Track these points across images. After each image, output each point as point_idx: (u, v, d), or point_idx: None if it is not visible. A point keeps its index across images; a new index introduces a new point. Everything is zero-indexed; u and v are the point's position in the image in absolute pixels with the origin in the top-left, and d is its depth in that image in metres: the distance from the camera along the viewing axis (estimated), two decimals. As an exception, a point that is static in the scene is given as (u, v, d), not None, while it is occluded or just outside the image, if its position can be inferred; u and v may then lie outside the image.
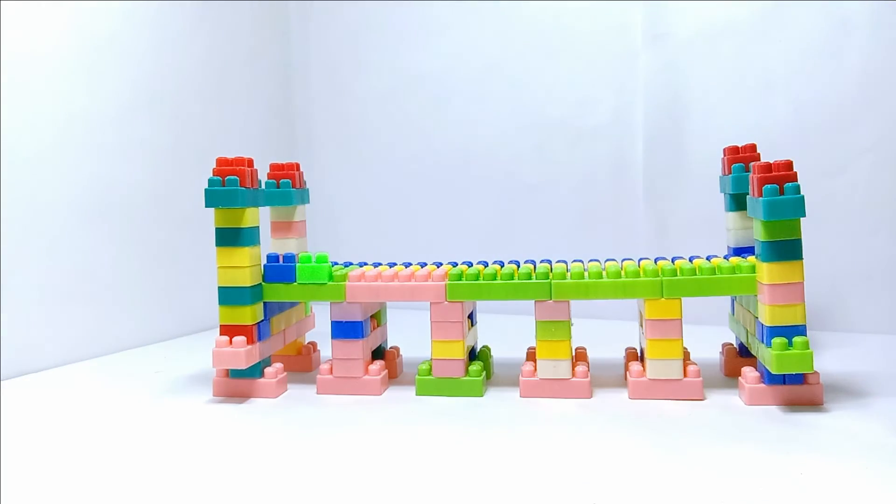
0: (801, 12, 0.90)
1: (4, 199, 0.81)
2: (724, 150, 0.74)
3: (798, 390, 0.61)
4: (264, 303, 0.71)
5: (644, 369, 0.66)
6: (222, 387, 0.70)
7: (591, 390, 0.66)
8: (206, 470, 0.51)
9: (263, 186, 0.77)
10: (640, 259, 0.72)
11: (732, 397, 0.64)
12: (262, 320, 0.71)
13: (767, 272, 0.60)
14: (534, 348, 0.71)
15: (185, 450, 0.55)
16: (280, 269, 0.71)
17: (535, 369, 0.67)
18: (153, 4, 0.98)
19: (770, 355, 0.59)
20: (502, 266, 0.72)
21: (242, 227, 0.68)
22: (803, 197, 0.59)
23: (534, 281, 0.67)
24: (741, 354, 0.73)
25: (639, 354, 0.73)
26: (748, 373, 0.63)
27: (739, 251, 0.72)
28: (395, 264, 0.77)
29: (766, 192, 0.59)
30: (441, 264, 0.76)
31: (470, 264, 0.75)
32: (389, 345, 0.80)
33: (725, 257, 0.70)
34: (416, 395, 0.68)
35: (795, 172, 0.60)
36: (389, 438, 0.57)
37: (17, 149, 0.82)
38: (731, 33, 0.94)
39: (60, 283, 0.86)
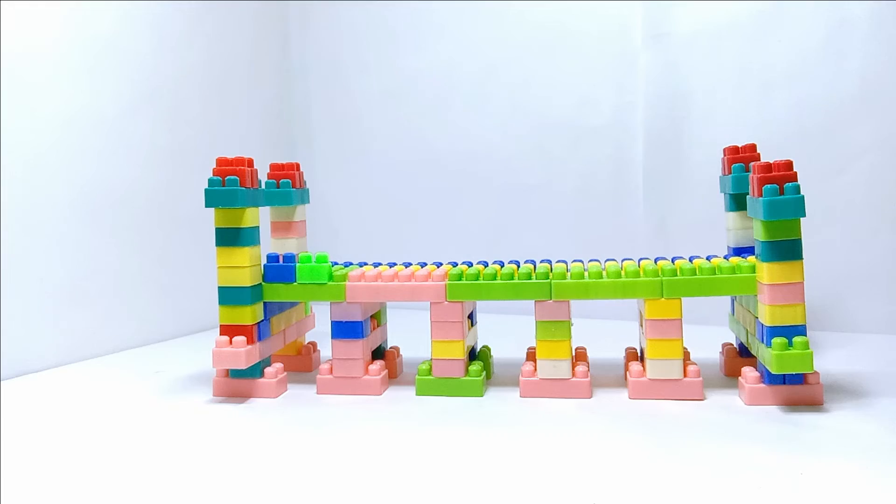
0: (801, 12, 0.90)
1: (4, 199, 0.81)
2: (724, 150, 0.74)
3: (798, 390, 0.61)
4: (264, 303, 0.71)
5: (644, 369, 0.66)
6: (222, 387, 0.70)
7: (591, 390, 0.66)
8: (207, 470, 0.51)
9: (263, 186, 0.77)
10: (640, 259, 0.72)
11: (732, 397, 0.64)
12: (262, 320, 0.71)
13: (767, 272, 0.60)
14: (534, 348, 0.71)
15: (186, 450, 0.55)
16: (280, 269, 0.71)
17: (535, 369, 0.67)
18: (153, 4, 0.98)
19: (770, 355, 0.59)
20: (502, 266, 0.72)
21: (242, 227, 0.68)
22: (803, 197, 0.59)
23: (534, 281, 0.67)
24: (741, 354, 0.73)
25: (639, 354, 0.73)
26: (748, 373, 0.63)
27: (739, 251, 0.72)
28: (395, 264, 0.77)
29: (766, 192, 0.59)
30: (441, 264, 0.76)
31: (470, 264, 0.75)
32: (389, 345, 0.80)
33: (725, 257, 0.70)
34: (416, 395, 0.69)
35: (795, 172, 0.60)
36: (389, 438, 0.57)
37: (17, 149, 0.82)
38: (731, 33, 0.94)
39: (60, 283, 0.86)
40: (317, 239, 1.10)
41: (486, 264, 0.74)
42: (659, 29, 0.98)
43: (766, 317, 0.61)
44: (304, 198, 0.81)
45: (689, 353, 0.69)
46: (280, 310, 0.75)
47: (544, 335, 0.66)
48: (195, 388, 0.73)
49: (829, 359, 0.76)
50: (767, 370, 0.61)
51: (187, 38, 1.04)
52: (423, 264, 0.77)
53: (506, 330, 0.86)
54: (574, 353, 0.70)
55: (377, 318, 0.76)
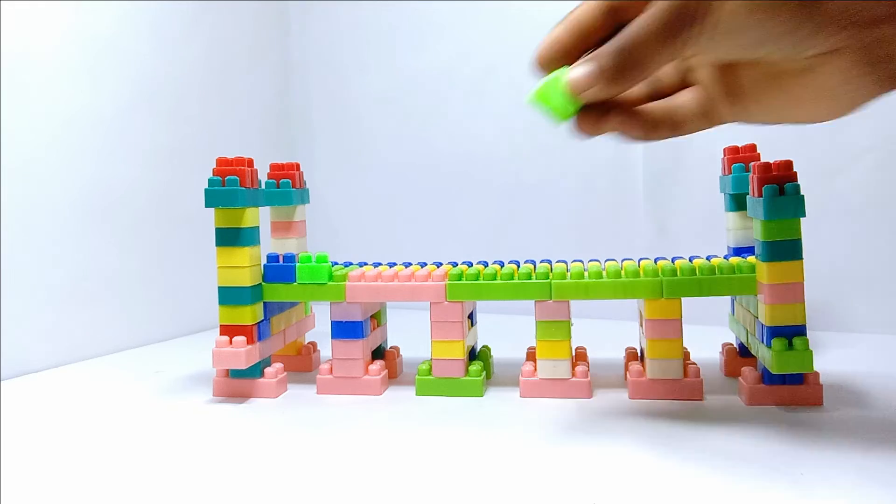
0: (801, 12, 0.90)
1: (4, 199, 0.81)
2: (724, 150, 0.74)
3: (798, 390, 0.61)
4: (264, 303, 0.71)
5: (644, 369, 0.66)
6: (222, 387, 0.70)
7: (591, 390, 0.66)
8: (207, 470, 0.51)
9: (263, 186, 0.77)
10: (640, 259, 0.72)
11: (732, 397, 0.64)
12: (262, 320, 0.71)
13: (767, 272, 0.60)
14: (534, 348, 0.71)
15: (186, 450, 0.55)
16: (280, 269, 0.71)
17: (535, 369, 0.67)
18: (153, 4, 0.98)
19: (770, 355, 0.59)
20: (502, 266, 0.72)
21: (242, 227, 0.68)
22: (803, 197, 0.59)
23: (534, 281, 0.67)
24: (741, 354, 0.73)
25: (639, 354, 0.73)
26: (748, 373, 0.63)
27: (739, 251, 0.72)
28: (395, 264, 0.77)
29: (766, 192, 0.59)
30: (441, 264, 0.76)
31: (470, 264, 0.75)
32: (389, 345, 0.80)
33: (725, 257, 0.70)
34: (416, 395, 0.69)
35: (795, 172, 0.60)
36: (389, 438, 0.57)
37: (17, 149, 0.82)
38: (731, 33, 0.94)
39: (60, 283, 0.86)
40: (317, 239, 1.09)
41: (486, 264, 0.74)
42: (659, 29, 0.98)
43: (766, 317, 0.61)
44: (304, 198, 0.81)
45: (689, 353, 0.69)
46: (280, 310, 0.75)
47: (544, 335, 0.66)
48: (195, 388, 0.73)
49: (829, 359, 0.76)
50: (767, 370, 0.61)
51: (187, 38, 1.04)
52: (423, 264, 0.77)
53: (506, 330, 0.86)
54: (574, 353, 0.70)
55: (377, 318, 0.76)
